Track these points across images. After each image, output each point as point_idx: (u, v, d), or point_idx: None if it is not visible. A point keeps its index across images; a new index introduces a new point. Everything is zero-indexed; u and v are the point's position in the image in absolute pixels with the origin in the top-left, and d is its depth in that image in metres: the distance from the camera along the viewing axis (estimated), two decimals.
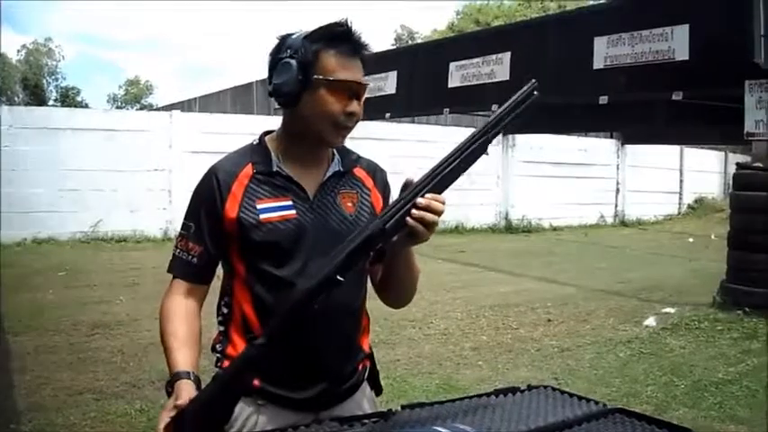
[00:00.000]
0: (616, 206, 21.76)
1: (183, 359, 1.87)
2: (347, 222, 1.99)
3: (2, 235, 12.94)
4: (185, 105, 25.61)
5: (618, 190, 21.72)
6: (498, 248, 15.33)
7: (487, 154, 1.77)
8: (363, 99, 1.95)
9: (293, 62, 1.88)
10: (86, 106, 39.99)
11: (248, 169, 1.98)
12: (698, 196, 23.94)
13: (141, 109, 41.86)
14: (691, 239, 16.82)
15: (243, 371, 1.74)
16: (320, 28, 1.91)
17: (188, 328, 1.95)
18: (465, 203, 17.60)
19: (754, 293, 8.35)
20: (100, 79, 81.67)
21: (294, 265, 1.91)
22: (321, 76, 1.87)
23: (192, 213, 2.01)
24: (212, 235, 1.97)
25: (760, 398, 5.54)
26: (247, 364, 1.73)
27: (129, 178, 14.49)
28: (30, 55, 44.72)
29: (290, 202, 1.95)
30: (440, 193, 1.74)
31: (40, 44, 45.48)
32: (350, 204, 2.03)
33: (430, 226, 1.73)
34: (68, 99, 43.87)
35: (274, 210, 1.94)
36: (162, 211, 14.73)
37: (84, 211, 14.04)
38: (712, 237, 13.90)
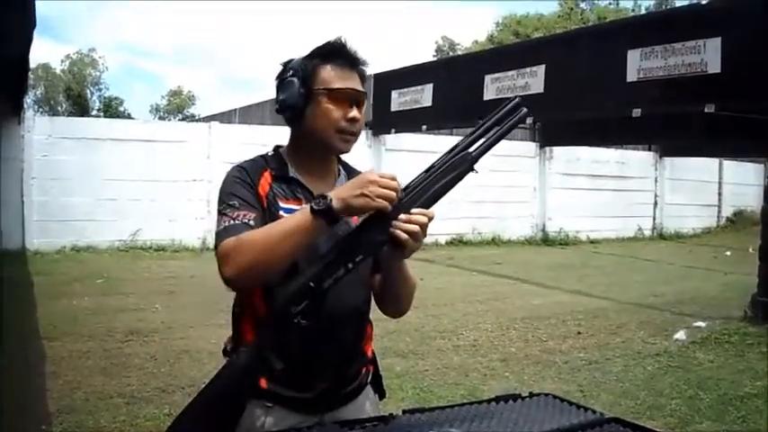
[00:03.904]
0: (654, 219, 21.62)
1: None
2: None
3: (41, 243, 13.24)
4: (226, 116, 25.83)
5: (656, 203, 21.58)
6: (534, 261, 15.30)
7: (476, 171, 1.85)
8: (363, 108, 2.04)
9: (295, 79, 2.00)
10: (129, 116, 40.64)
11: (268, 174, 2.05)
12: (736, 209, 23.79)
13: (183, 119, 42.39)
14: (728, 253, 16.66)
15: (235, 380, 1.80)
16: (317, 47, 2.03)
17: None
18: (502, 216, 17.63)
19: None
20: (143, 90, 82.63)
21: None
22: (321, 87, 1.98)
23: (230, 195, 1.98)
24: (258, 203, 1.99)
25: None
26: (239, 372, 1.79)
27: (167, 188, 14.70)
28: (73, 65, 45.53)
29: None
30: (427, 207, 1.83)
31: (84, 54, 46.31)
32: (356, 216, 2.04)
33: (414, 236, 1.80)
34: (111, 109, 44.49)
35: (292, 212, 1.97)
36: (200, 221, 14.89)
37: (122, 221, 14.26)
38: (750, 250, 13.70)
